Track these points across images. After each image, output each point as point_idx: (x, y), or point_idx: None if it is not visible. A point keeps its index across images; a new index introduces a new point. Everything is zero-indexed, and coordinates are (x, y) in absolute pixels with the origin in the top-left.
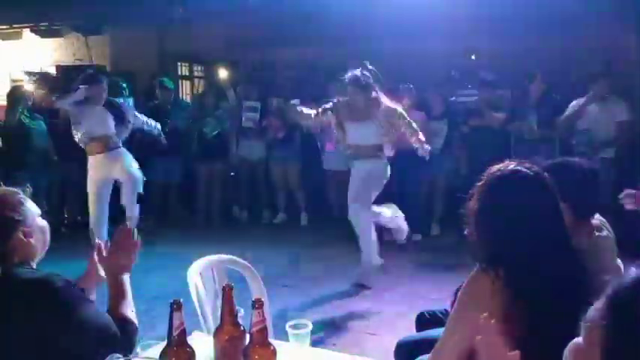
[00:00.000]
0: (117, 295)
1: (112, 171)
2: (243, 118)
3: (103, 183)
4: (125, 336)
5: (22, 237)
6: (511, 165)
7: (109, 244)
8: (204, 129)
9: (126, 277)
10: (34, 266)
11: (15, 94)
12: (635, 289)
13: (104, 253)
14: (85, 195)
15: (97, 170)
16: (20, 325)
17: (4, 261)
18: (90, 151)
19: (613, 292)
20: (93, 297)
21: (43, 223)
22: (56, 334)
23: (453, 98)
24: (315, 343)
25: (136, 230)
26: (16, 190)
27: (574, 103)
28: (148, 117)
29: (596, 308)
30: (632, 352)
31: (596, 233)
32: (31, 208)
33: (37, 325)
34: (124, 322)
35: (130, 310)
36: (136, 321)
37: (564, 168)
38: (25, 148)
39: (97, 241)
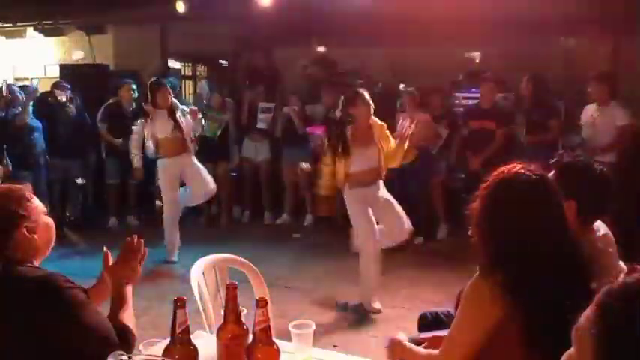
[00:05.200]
0: (118, 303)
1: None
2: (257, 119)
3: None
4: (123, 344)
5: (26, 232)
6: (515, 168)
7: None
8: (205, 133)
9: (129, 288)
10: (37, 264)
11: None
12: (624, 296)
13: (110, 262)
14: (86, 194)
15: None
16: (20, 324)
17: (6, 257)
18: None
19: (602, 300)
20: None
21: (49, 220)
22: (56, 335)
23: (457, 101)
24: (316, 344)
25: (142, 242)
26: (23, 186)
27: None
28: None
29: (585, 315)
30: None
31: (596, 234)
32: (38, 205)
33: (37, 324)
34: (122, 330)
35: (129, 320)
36: (134, 331)
37: (577, 168)
38: (28, 146)
39: (104, 249)
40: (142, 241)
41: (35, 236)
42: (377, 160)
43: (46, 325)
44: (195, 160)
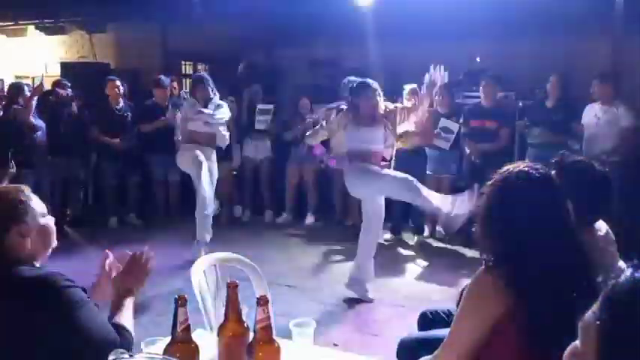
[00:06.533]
0: (117, 311)
1: None
2: (255, 120)
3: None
4: (122, 342)
5: (17, 236)
6: (520, 166)
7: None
8: None
9: (130, 300)
10: (38, 265)
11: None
12: (630, 288)
13: (113, 272)
14: (87, 193)
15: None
16: (19, 325)
17: (3, 259)
18: None
19: (608, 292)
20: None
21: (46, 222)
22: (55, 335)
23: (459, 100)
24: (316, 342)
25: (151, 256)
26: (20, 187)
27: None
28: (145, 114)
29: (592, 309)
30: (627, 352)
31: (598, 233)
32: (35, 207)
33: (36, 324)
34: (121, 329)
35: (127, 323)
36: (132, 331)
37: (578, 168)
38: (30, 145)
39: (107, 252)
40: (151, 254)
41: (28, 239)
42: (379, 141)
43: (46, 324)
44: (215, 164)
